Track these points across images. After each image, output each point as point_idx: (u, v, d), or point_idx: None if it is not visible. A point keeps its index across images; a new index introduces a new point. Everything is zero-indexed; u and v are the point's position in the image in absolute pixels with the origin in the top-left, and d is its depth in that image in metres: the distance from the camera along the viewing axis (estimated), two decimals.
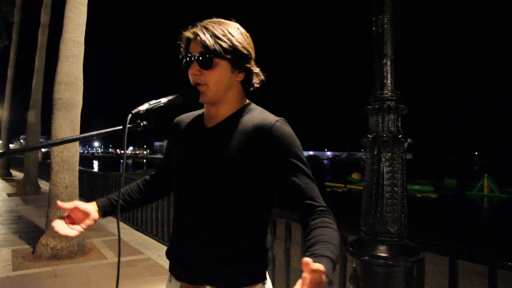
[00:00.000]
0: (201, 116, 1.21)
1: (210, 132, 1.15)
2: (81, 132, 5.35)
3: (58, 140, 0.84)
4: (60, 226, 1.13)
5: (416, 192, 29.71)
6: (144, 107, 0.99)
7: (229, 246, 1.08)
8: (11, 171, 17.01)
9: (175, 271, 1.17)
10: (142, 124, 0.98)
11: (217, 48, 1.05)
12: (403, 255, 1.64)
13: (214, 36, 1.05)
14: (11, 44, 15.74)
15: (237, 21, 1.14)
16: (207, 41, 1.05)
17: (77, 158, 5.21)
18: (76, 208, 1.16)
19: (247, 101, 1.19)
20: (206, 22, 1.09)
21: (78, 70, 5.06)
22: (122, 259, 4.72)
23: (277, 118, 1.11)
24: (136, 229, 6.45)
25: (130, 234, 6.19)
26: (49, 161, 5.23)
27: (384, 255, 1.64)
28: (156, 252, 5.07)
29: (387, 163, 1.70)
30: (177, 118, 1.30)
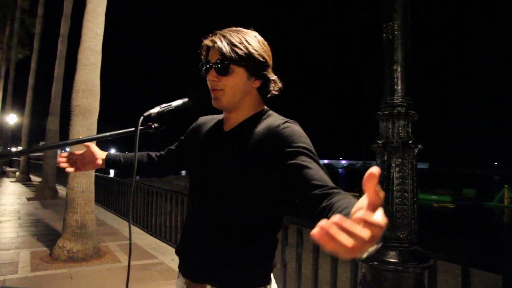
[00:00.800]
0: (221, 120, 1.25)
1: (226, 135, 1.18)
2: None
3: (74, 140, 0.88)
4: (63, 158, 1.34)
5: (432, 202, 29.13)
6: (155, 110, 1.03)
7: (233, 247, 1.09)
8: (31, 176, 17.41)
9: (182, 267, 1.21)
10: (153, 126, 1.03)
11: (233, 55, 1.08)
12: (413, 261, 1.63)
13: (231, 43, 1.09)
14: (32, 54, 16.21)
15: (265, 31, 1.18)
16: (223, 49, 1.08)
17: None
18: (90, 148, 1.33)
19: (265, 107, 1.21)
20: (225, 30, 1.13)
21: (95, 77, 5.19)
22: (136, 262, 4.80)
23: (288, 119, 1.13)
24: (150, 234, 6.52)
25: (144, 239, 6.26)
26: None
27: (393, 260, 1.63)
28: (169, 257, 5.11)
29: (397, 169, 1.70)
30: (201, 118, 1.34)
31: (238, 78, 1.11)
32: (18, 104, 22.72)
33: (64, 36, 11.35)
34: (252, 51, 1.10)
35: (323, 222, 0.50)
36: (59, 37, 11.36)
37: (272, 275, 1.18)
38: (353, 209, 0.60)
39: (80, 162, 1.36)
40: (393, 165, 1.71)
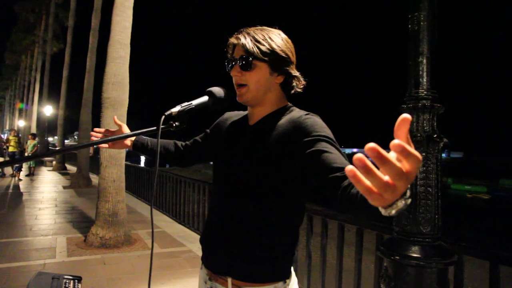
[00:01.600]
0: (246, 115, 1.28)
1: (250, 129, 1.21)
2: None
3: (99, 140, 0.93)
4: (96, 133, 1.48)
5: (466, 193, 28.24)
6: (176, 109, 1.07)
7: (254, 241, 1.11)
8: (66, 165, 18.17)
9: (204, 258, 1.25)
10: (174, 125, 1.06)
11: (256, 51, 1.12)
12: (435, 256, 1.61)
13: (255, 40, 1.13)
14: (65, 47, 16.78)
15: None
16: (247, 45, 1.12)
17: (123, 154, 5.51)
18: (121, 128, 1.45)
19: (288, 103, 1.23)
20: (250, 28, 1.17)
21: (125, 70, 5.33)
22: (164, 250, 4.95)
23: (309, 112, 1.15)
24: (179, 222, 6.70)
25: (172, 227, 6.44)
26: (99, 156, 5.56)
27: (415, 255, 1.62)
28: (197, 245, 5.25)
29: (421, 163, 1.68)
30: (227, 113, 1.37)
31: (261, 73, 1.14)
32: (54, 96, 23.64)
33: (95, 30, 11.67)
34: (275, 47, 1.13)
35: (359, 154, 0.49)
36: (90, 31, 11.70)
37: (292, 269, 1.20)
38: None
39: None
40: None
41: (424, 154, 1.68)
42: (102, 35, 11.21)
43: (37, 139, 14.81)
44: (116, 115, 5.24)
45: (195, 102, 1.11)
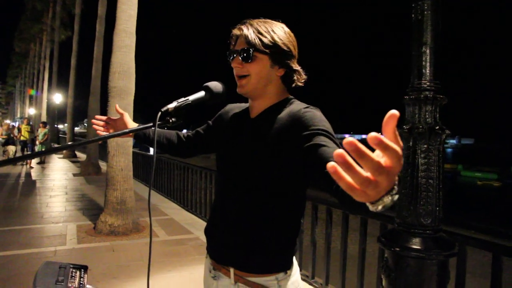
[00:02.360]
0: (247, 108, 1.28)
1: (251, 122, 1.22)
2: (133, 120, 5.69)
3: (101, 136, 0.95)
4: (98, 121, 1.46)
5: (476, 180, 27.99)
6: (172, 105, 1.08)
7: (255, 232, 1.13)
8: (76, 152, 18.38)
9: (209, 248, 1.27)
10: (171, 121, 1.07)
11: (257, 43, 1.12)
12: (436, 248, 1.62)
13: (257, 31, 1.13)
14: (73, 35, 16.81)
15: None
16: (249, 36, 1.12)
17: (130, 143, 5.56)
18: (123, 117, 1.44)
19: (289, 96, 1.23)
20: (254, 20, 1.17)
21: (131, 59, 5.33)
22: (172, 237, 5.03)
23: (310, 106, 1.15)
24: (187, 210, 6.78)
25: (180, 214, 6.52)
26: (107, 144, 5.62)
27: (416, 247, 1.62)
28: None
29: (422, 155, 1.66)
30: (229, 105, 1.38)
31: (261, 65, 1.14)
32: (63, 84, 23.81)
33: (101, 18, 11.65)
34: (277, 40, 1.13)
35: (339, 150, 0.48)
36: (97, 18, 11.69)
37: (294, 259, 1.22)
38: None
39: (112, 129, 1.47)
40: (419, 151, 1.67)
41: (426, 146, 1.67)
42: (109, 23, 11.20)
43: (48, 127, 15.00)
44: (122, 104, 5.27)
45: (192, 97, 1.12)
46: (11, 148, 13.35)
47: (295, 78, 1.19)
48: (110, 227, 5.09)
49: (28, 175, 11.51)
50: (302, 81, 1.21)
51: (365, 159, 0.48)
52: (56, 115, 24.72)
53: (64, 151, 18.04)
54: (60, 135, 26.43)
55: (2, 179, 10.29)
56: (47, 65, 26.10)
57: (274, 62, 1.15)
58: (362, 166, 0.50)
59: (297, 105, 1.16)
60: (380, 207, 0.61)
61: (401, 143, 0.51)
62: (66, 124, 19.56)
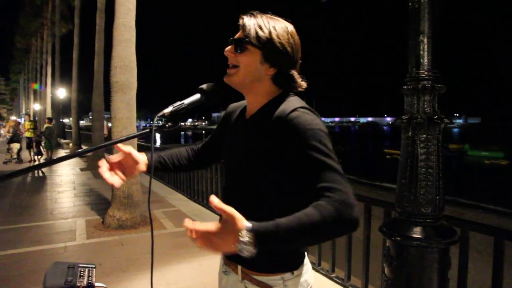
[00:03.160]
0: (246, 107, 1.26)
1: (245, 123, 1.21)
2: (137, 113, 5.71)
3: (102, 144, 0.97)
4: (107, 174, 1.19)
5: (484, 159, 27.85)
6: (168, 109, 1.09)
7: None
8: (82, 146, 18.52)
9: None
10: (167, 125, 1.08)
11: (252, 34, 1.08)
12: (437, 236, 1.63)
13: (257, 24, 1.09)
14: (74, 28, 16.74)
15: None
16: (246, 26, 1.10)
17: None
18: (130, 155, 1.22)
19: (282, 91, 1.16)
20: (262, 14, 1.13)
21: (131, 53, 5.33)
22: (180, 229, 5.09)
23: (298, 106, 1.06)
24: (194, 201, 6.85)
25: (187, 205, 6.59)
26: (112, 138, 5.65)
27: (417, 236, 1.64)
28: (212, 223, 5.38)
29: (421, 145, 1.67)
30: (230, 106, 1.36)
31: (251, 58, 1.10)
32: (66, 78, 23.86)
33: (101, 10, 11.58)
34: (274, 37, 1.08)
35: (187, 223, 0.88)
36: (97, 11, 11.62)
37: (306, 259, 1.20)
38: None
39: (121, 171, 1.25)
40: (418, 141, 1.68)
41: (425, 135, 1.67)
42: (109, 16, 11.13)
43: (53, 122, 15.09)
44: (126, 99, 5.29)
45: (187, 101, 1.12)
46: (16, 146, 13.46)
47: (287, 81, 1.14)
48: (118, 221, 5.17)
49: (36, 171, 11.65)
50: (299, 88, 1.16)
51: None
52: (61, 109, 24.82)
53: (71, 145, 18.18)
54: (66, 130, 26.59)
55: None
56: (49, 59, 26.11)
57: (265, 59, 1.10)
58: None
59: (286, 106, 1.09)
60: (245, 254, 0.87)
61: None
62: (71, 118, 19.67)
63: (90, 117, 15.99)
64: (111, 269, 3.76)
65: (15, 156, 13.57)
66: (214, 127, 1.46)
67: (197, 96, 1.15)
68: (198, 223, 0.88)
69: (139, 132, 1.08)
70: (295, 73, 1.13)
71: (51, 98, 25.55)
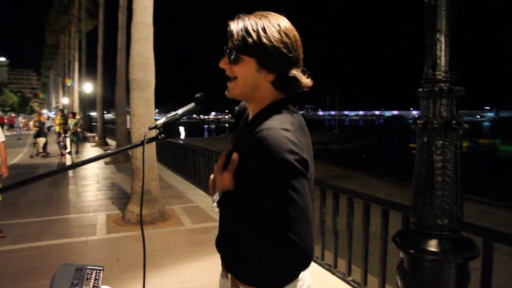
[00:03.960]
0: None
1: (245, 125, 1.16)
2: (161, 106, 5.75)
3: (99, 155, 0.95)
4: None
5: None
6: (161, 120, 1.05)
7: (237, 242, 1.09)
8: (107, 140, 18.93)
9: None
10: (160, 137, 1.05)
11: (241, 44, 1.00)
12: (454, 251, 1.53)
13: (244, 30, 1.00)
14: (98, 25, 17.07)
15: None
16: (234, 35, 1.01)
17: (153, 133, 5.63)
18: None
19: (277, 99, 1.07)
20: (252, 14, 1.04)
21: (149, 51, 5.35)
22: (197, 226, 5.10)
23: (270, 127, 0.96)
24: None
25: (206, 201, 6.61)
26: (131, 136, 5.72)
27: (432, 249, 1.54)
28: None
29: (438, 152, 1.56)
30: (241, 104, 1.28)
31: (246, 68, 1.03)
32: (92, 73, 24.43)
33: (123, 7, 11.72)
34: (265, 41, 0.98)
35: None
36: (119, 8, 11.78)
37: (303, 274, 1.13)
38: None
39: None
40: (434, 148, 1.57)
41: (441, 142, 1.56)
42: (130, 13, 11.25)
43: (78, 116, 15.47)
44: (144, 96, 5.34)
45: (181, 111, 1.08)
46: (41, 140, 13.87)
47: (291, 83, 1.05)
48: (137, 216, 5.24)
49: (62, 165, 12.00)
50: (303, 86, 1.06)
51: None
52: (87, 103, 25.48)
53: (97, 139, 18.63)
54: (92, 123, 27.29)
55: (38, 170, 10.79)
56: (76, 55, 26.80)
57: (261, 66, 1.02)
58: None
59: (263, 122, 1.00)
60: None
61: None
62: (95, 112, 20.15)
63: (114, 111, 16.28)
64: (127, 264, 3.81)
65: (41, 150, 13.98)
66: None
67: (191, 105, 1.10)
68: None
69: (131, 145, 1.05)
70: (296, 73, 1.04)
71: (79, 92, 26.24)
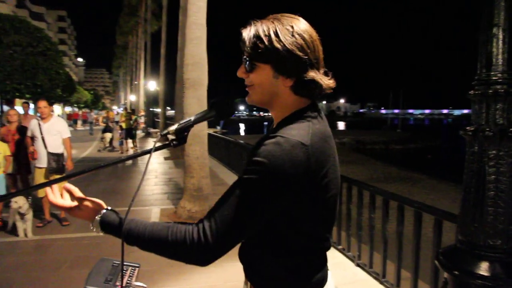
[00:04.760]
0: None
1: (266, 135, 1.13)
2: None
3: (105, 163, 0.97)
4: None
5: None
6: (173, 127, 1.03)
7: (258, 255, 1.07)
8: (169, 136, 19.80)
9: None
10: (172, 143, 1.03)
11: (252, 51, 0.97)
12: (507, 276, 1.33)
13: (256, 36, 0.96)
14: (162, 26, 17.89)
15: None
16: (246, 42, 0.98)
17: (205, 132, 5.76)
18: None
19: (302, 106, 1.03)
20: (265, 19, 1.00)
21: (202, 51, 5.45)
22: None
23: (278, 137, 0.92)
24: None
25: None
26: None
27: (481, 273, 1.36)
28: None
29: (490, 163, 1.37)
30: None
31: (263, 76, 0.99)
32: (156, 71, 25.73)
33: (183, 8, 12.08)
34: (277, 45, 0.94)
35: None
36: (179, 9, 12.21)
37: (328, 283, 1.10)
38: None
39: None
40: (486, 158, 1.38)
41: (494, 152, 1.37)
42: None
43: (141, 112, 16.26)
44: (197, 95, 5.46)
45: (194, 117, 1.06)
46: (108, 135, 14.83)
47: (312, 87, 0.99)
48: (189, 212, 5.39)
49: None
50: (326, 87, 1.01)
51: None
52: (151, 100, 26.89)
53: (158, 134, 19.55)
54: (156, 119, 28.75)
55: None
56: (142, 55, 28.39)
57: (278, 71, 0.97)
58: None
59: (284, 129, 0.96)
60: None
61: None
62: (159, 109, 21.18)
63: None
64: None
65: (107, 145, 14.96)
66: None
67: (206, 111, 1.07)
68: (59, 199, 1.08)
69: (140, 152, 1.05)
70: (315, 75, 0.98)
71: (144, 89, 27.77)
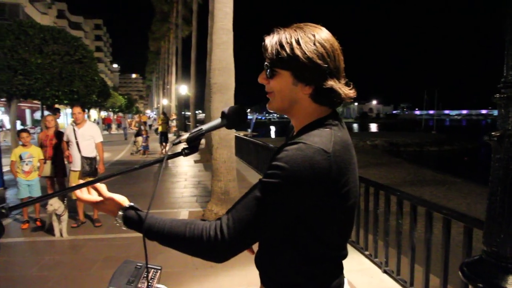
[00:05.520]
0: None
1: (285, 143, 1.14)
2: (252, 106, 5.89)
3: (116, 173, 1.01)
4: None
5: None
6: (185, 136, 1.05)
7: (269, 261, 1.09)
8: None
9: None
10: (184, 152, 1.05)
11: (274, 57, 0.99)
12: None
13: (278, 43, 0.99)
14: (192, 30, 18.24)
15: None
16: (268, 49, 1.01)
17: (232, 136, 5.81)
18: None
19: (323, 115, 1.03)
20: (288, 27, 1.03)
21: (229, 55, 5.51)
22: None
23: (300, 143, 0.93)
24: None
25: None
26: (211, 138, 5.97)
27: (508, 287, 1.30)
28: None
29: None
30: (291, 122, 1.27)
31: (283, 82, 1.02)
32: (187, 76, 26.24)
33: (212, 13, 12.27)
34: (298, 53, 0.96)
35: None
36: (208, 14, 12.39)
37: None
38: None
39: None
40: None
41: None
42: None
43: (173, 116, 16.52)
44: (224, 99, 5.52)
45: (206, 126, 1.07)
46: (140, 139, 15.20)
47: (331, 96, 1.00)
48: (216, 215, 5.45)
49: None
50: (346, 99, 1.01)
51: None
52: (182, 104, 27.42)
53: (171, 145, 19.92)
54: (187, 123, 29.28)
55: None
56: (174, 60, 29.06)
57: (298, 79, 0.99)
58: None
59: (305, 135, 0.97)
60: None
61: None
62: (189, 113, 21.57)
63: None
64: (201, 263, 3.97)
65: (140, 148, 15.36)
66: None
67: (217, 120, 1.09)
68: (86, 194, 1.14)
69: (153, 160, 1.07)
70: (334, 84, 0.99)
71: (175, 94, 28.38)
